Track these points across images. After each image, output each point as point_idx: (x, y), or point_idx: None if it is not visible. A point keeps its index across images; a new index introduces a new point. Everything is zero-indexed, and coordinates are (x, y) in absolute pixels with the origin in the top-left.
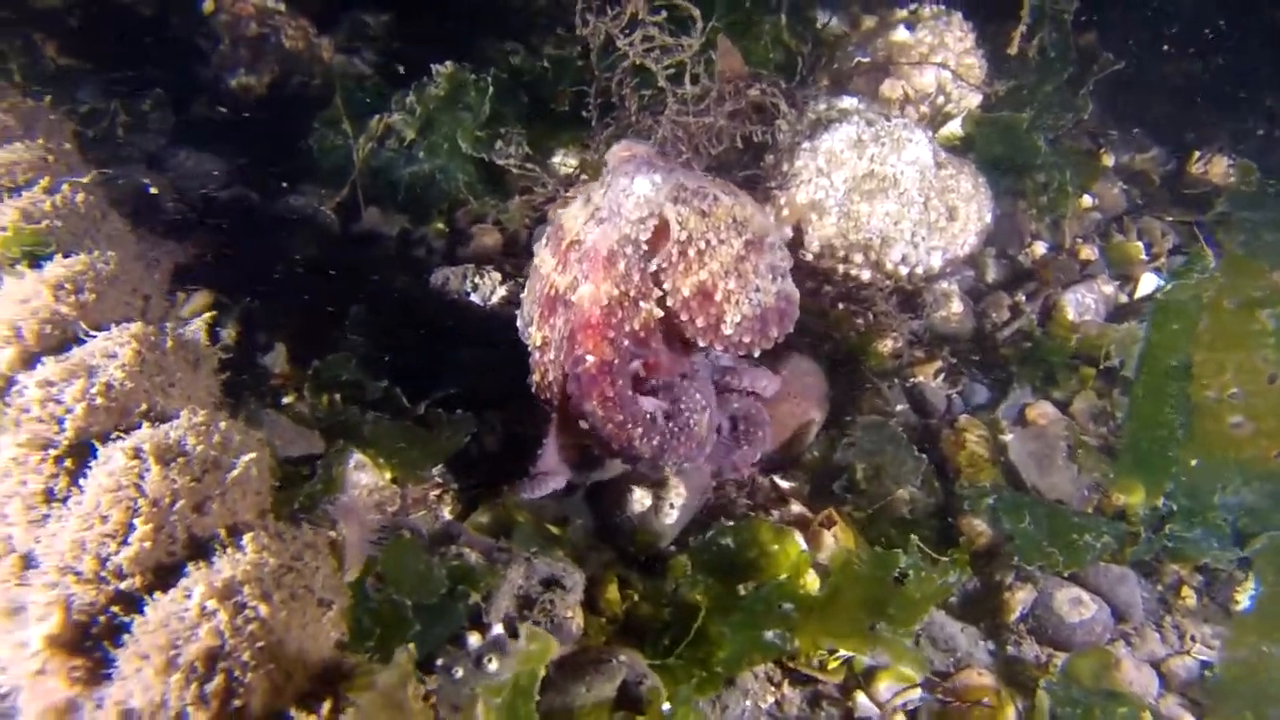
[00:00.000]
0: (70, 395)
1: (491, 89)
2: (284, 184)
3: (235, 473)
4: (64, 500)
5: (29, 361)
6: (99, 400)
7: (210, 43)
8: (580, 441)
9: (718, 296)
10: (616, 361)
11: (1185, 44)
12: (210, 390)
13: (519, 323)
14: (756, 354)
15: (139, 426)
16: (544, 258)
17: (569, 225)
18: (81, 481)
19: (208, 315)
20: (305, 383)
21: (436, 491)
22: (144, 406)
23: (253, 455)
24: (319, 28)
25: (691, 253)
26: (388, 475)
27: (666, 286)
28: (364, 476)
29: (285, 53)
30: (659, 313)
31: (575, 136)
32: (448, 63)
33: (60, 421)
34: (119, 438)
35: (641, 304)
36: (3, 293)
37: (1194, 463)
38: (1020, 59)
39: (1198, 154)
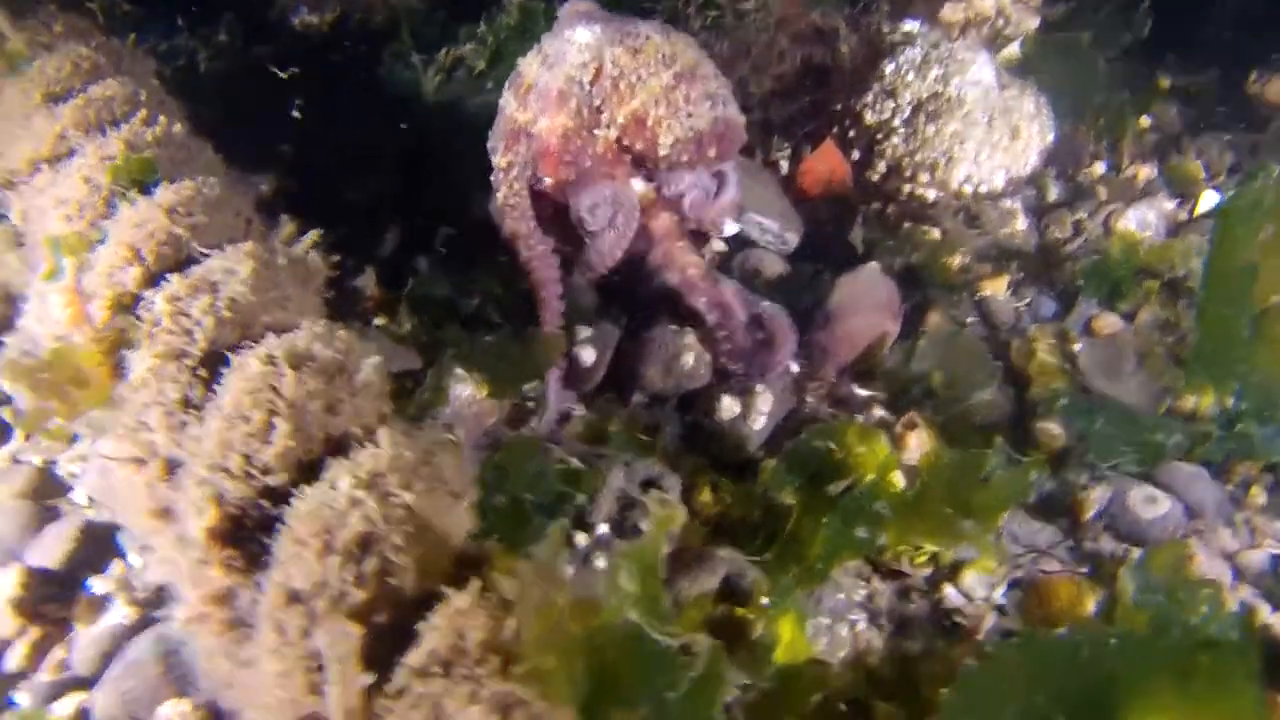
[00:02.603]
0: (198, 308)
1: None
2: (352, 118)
3: (363, 374)
4: (201, 407)
5: (151, 280)
6: (225, 313)
7: None
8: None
9: (649, 122)
10: (572, 180)
11: None
12: (318, 307)
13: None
14: (699, 170)
15: (263, 337)
16: (507, 99)
17: (525, 72)
18: (216, 389)
19: (313, 235)
20: (397, 303)
21: (532, 405)
22: (265, 319)
23: (377, 359)
24: None
25: (623, 86)
26: (484, 390)
27: (606, 117)
28: (464, 390)
29: None
30: (614, 135)
31: None
32: None
33: (191, 333)
34: (249, 346)
35: (596, 132)
36: (120, 218)
37: (1261, 364)
38: None
39: (1255, 73)
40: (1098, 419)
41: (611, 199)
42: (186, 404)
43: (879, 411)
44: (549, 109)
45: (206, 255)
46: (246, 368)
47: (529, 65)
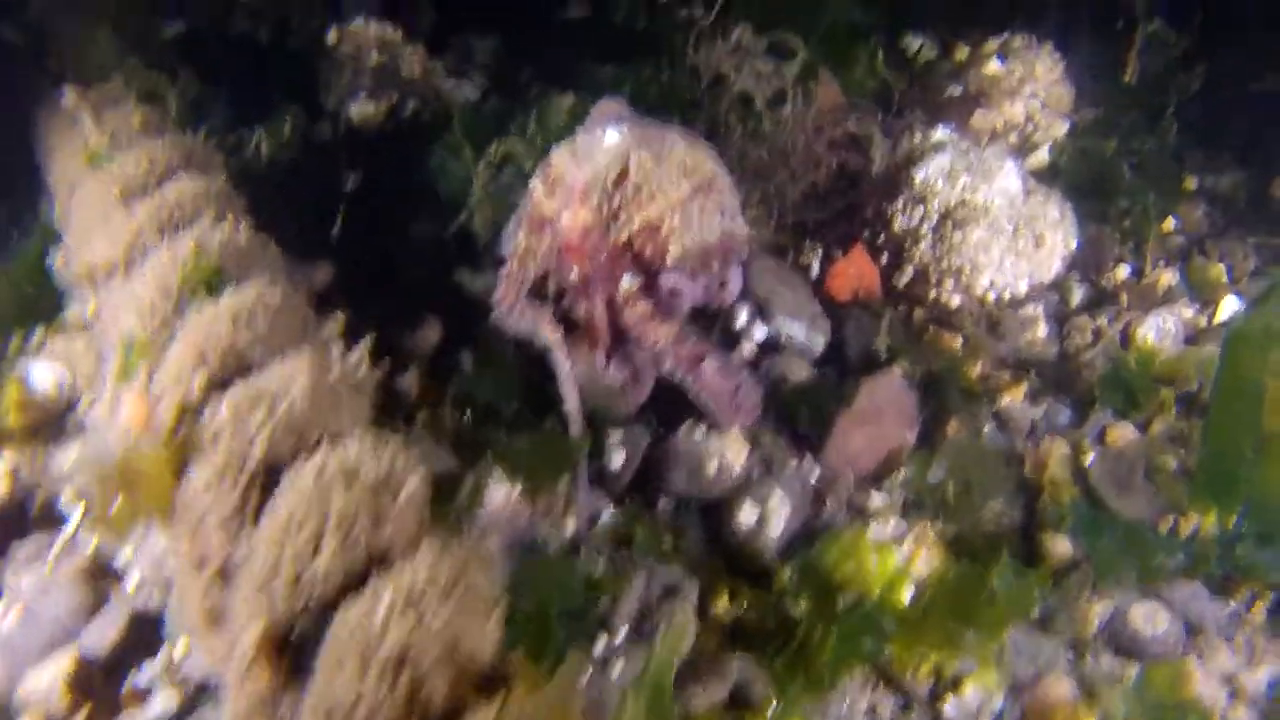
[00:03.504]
0: (257, 419)
1: None
2: (403, 208)
3: (407, 489)
4: (257, 515)
5: (215, 386)
6: (283, 423)
7: (331, 71)
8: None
9: (663, 230)
10: (592, 274)
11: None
12: (368, 412)
13: (503, 233)
14: (703, 280)
15: (317, 447)
16: (535, 185)
17: (556, 163)
18: (271, 498)
19: (366, 344)
20: (440, 401)
21: (562, 503)
22: (319, 429)
23: (420, 473)
24: (429, 52)
25: (644, 192)
26: (518, 488)
27: (623, 218)
28: (500, 490)
29: (402, 79)
30: (625, 236)
31: None
32: (568, 94)
33: (250, 443)
34: (303, 455)
35: (610, 230)
36: (188, 323)
37: (1266, 487)
38: (1109, 85)
39: None
40: (1102, 537)
41: (634, 367)
42: (243, 511)
43: (892, 521)
44: (573, 203)
45: (267, 361)
46: (300, 481)
47: (560, 157)
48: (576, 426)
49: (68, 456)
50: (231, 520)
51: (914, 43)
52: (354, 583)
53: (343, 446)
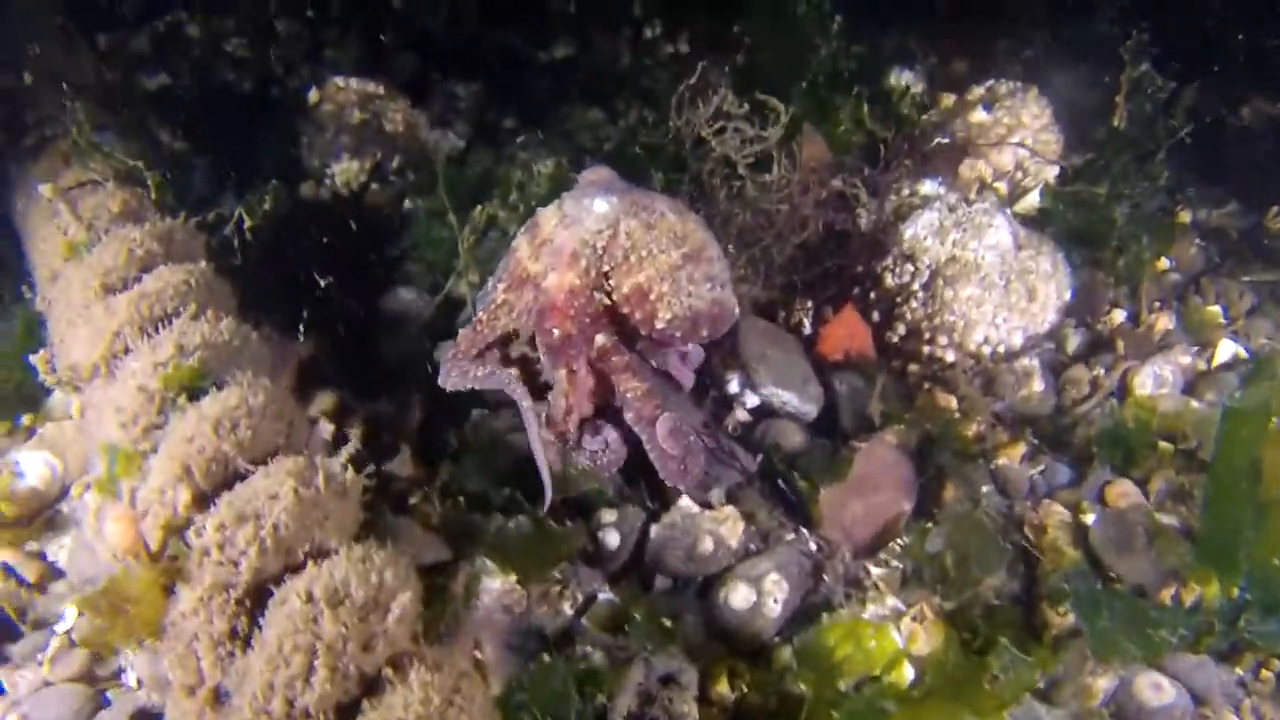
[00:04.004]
0: (243, 539)
1: None
2: (388, 277)
3: (395, 614)
4: (247, 639)
5: (201, 500)
6: (269, 542)
7: (313, 130)
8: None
9: (652, 296)
10: (574, 334)
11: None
12: (357, 518)
13: (481, 291)
14: (688, 348)
15: (303, 562)
16: (521, 244)
17: (543, 224)
18: (260, 620)
19: (351, 446)
20: (431, 488)
21: (558, 589)
22: (306, 545)
23: (408, 595)
24: (412, 102)
25: (633, 258)
26: (513, 578)
27: (612, 284)
28: (494, 583)
29: (386, 136)
30: (613, 300)
31: None
32: (549, 161)
33: (237, 564)
34: (291, 576)
35: (596, 294)
36: (171, 431)
37: (1267, 557)
38: (1099, 130)
39: (1276, 209)
40: (1102, 615)
41: (608, 443)
42: (233, 635)
43: (890, 599)
44: (560, 266)
45: (252, 471)
46: (288, 604)
47: (548, 219)
48: (548, 484)
49: (62, 547)
50: (221, 645)
51: (901, 80)
52: (347, 712)
53: (330, 564)
